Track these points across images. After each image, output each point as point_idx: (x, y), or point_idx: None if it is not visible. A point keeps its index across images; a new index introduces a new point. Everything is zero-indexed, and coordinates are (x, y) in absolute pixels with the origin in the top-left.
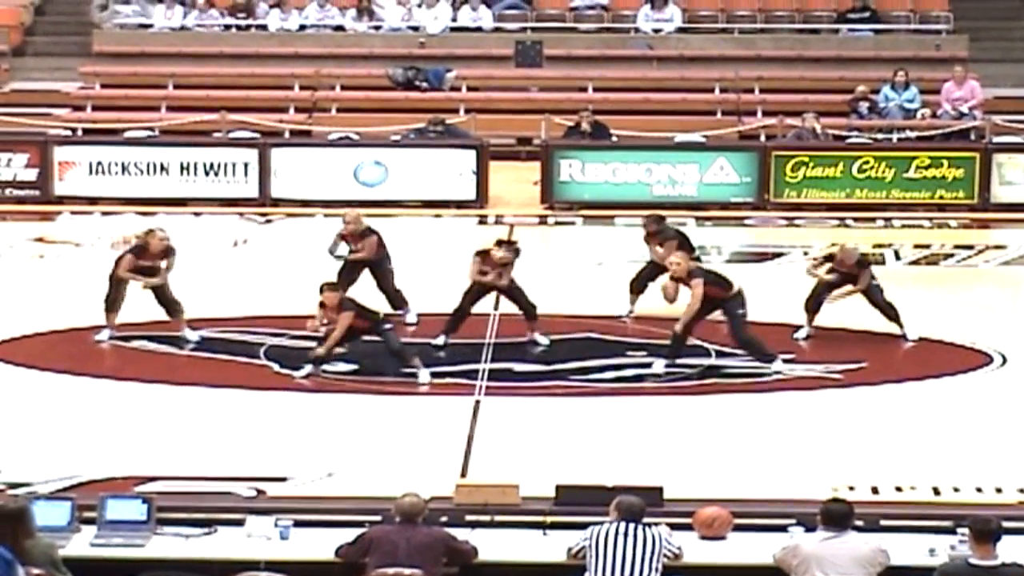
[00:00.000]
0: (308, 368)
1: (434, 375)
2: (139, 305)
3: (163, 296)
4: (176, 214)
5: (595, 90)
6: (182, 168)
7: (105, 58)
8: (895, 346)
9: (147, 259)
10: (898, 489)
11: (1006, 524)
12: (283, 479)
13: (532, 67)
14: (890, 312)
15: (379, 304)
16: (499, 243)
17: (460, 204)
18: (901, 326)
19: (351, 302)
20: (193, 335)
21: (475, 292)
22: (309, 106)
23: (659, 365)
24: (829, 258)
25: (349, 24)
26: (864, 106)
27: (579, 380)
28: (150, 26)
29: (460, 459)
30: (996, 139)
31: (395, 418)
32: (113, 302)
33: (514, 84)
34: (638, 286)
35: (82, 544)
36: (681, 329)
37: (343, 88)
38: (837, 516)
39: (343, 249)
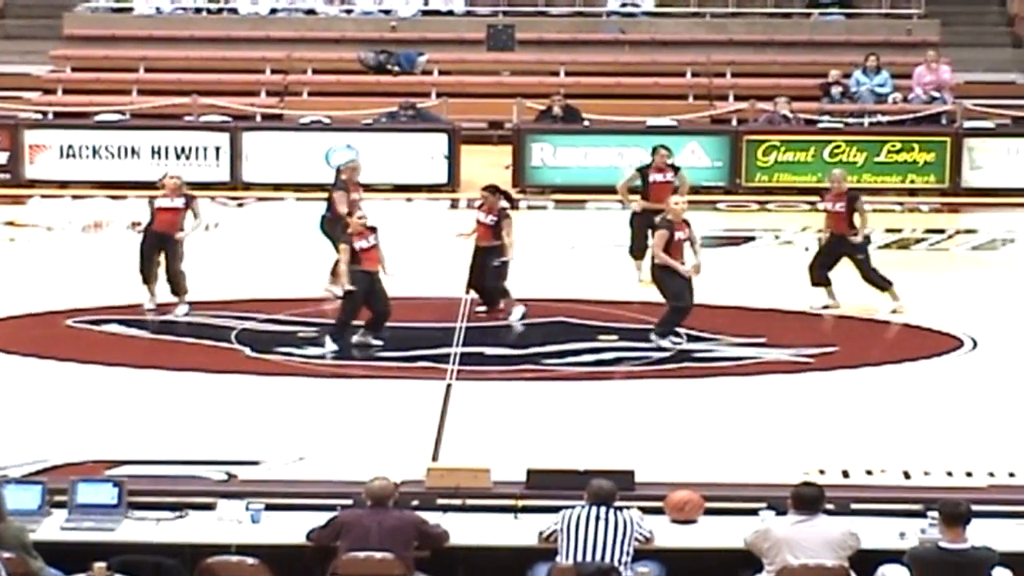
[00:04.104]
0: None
1: (406, 359)
2: (110, 288)
3: (174, 270)
4: (147, 198)
5: (567, 74)
6: (153, 152)
7: (76, 41)
8: (866, 330)
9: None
10: (869, 473)
11: (976, 508)
12: (255, 463)
13: (504, 51)
14: (881, 283)
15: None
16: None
17: (432, 188)
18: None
19: None
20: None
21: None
22: (281, 90)
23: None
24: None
25: (320, 8)
26: (836, 90)
27: (551, 364)
28: (127, 10)
29: (431, 443)
30: (967, 124)
31: (366, 402)
32: (148, 274)
33: (486, 68)
34: (640, 252)
35: (53, 528)
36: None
37: (315, 72)
38: (808, 500)
39: None
